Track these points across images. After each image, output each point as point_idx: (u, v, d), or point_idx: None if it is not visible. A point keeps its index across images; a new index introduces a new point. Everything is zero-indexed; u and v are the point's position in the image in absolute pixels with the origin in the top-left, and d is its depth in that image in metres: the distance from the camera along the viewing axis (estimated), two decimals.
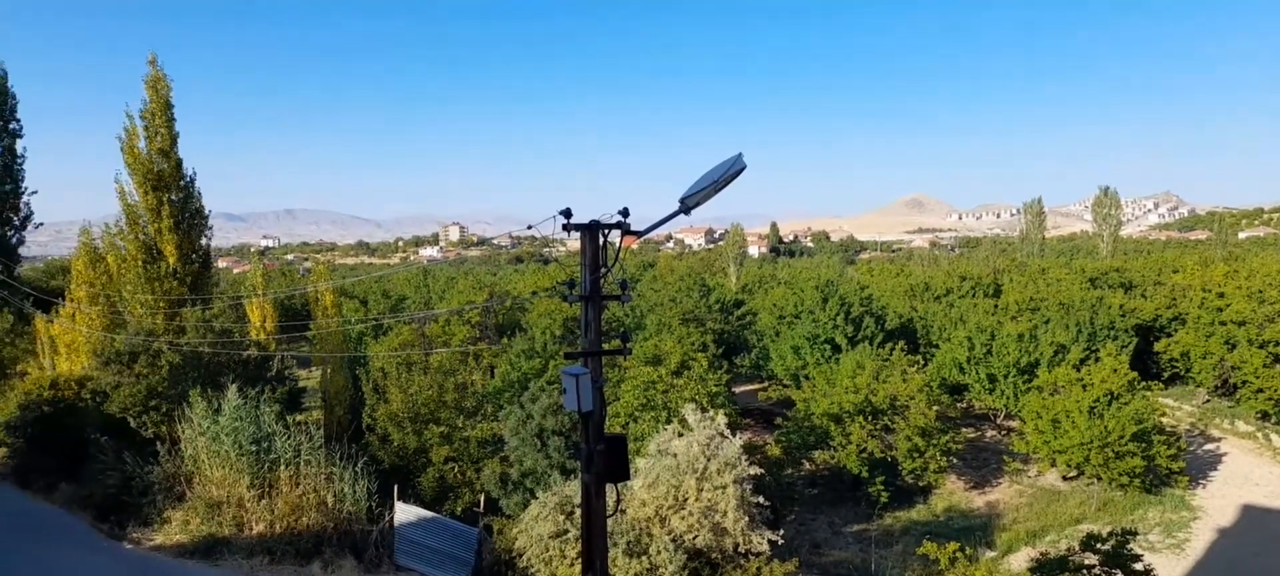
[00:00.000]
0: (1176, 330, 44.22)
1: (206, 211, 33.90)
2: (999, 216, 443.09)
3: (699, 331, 41.01)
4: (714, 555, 19.19)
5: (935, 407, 30.35)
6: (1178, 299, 46.88)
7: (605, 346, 11.52)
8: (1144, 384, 30.90)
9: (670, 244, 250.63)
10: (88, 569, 23.25)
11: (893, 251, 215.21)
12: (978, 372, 37.31)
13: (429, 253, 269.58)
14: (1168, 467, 28.64)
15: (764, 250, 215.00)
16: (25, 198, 44.16)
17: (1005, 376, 36.24)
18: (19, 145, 43.68)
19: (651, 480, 20.06)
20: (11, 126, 43.26)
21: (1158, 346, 43.72)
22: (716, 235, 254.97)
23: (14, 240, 44.04)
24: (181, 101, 32.75)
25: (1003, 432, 38.86)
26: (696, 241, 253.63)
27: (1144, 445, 27.92)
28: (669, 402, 27.38)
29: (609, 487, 11.51)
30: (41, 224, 46.07)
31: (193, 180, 33.23)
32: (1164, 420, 30.79)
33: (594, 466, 11.02)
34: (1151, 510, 28.62)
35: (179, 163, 32.63)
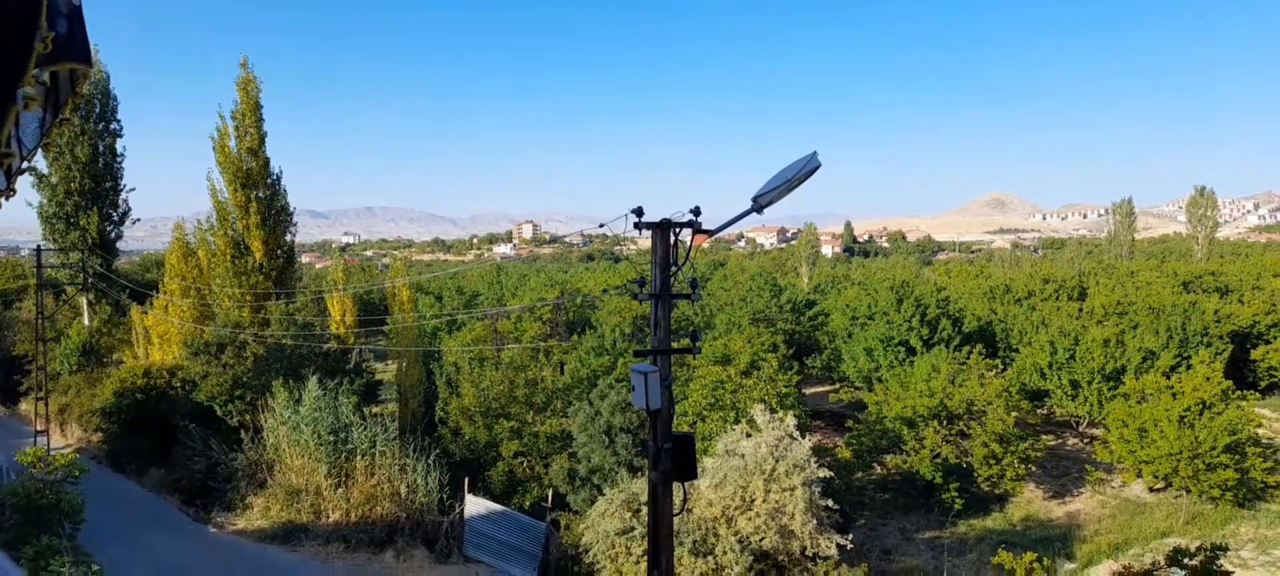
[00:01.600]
0: (1276, 337, 42.12)
1: (291, 208, 35.01)
2: (1085, 217, 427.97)
3: (769, 331, 40.68)
4: (781, 558, 19.03)
5: (1014, 413, 29.48)
6: (1278, 304, 44.63)
7: (674, 345, 11.52)
8: (1239, 393, 29.51)
9: (742, 243, 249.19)
10: (175, 550, 24.31)
11: (972, 252, 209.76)
12: (1060, 378, 36.13)
13: (503, 250, 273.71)
14: (1263, 481, 27.30)
15: (837, 250, 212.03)
16: (124, 194, 46.31)
17: (1089, 382, 35.02)
18: (119, 144, 45.85)
19: (719, 480, 19.99)
20: (113, 127, 45.42)
21: (1255, 354, 41.70)
22: (789, 234, 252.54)
23: (113, 235, 46.22)
24: (269, 97, 33.93)
25: (1085, 441, 37.55)
26: (768, 240, 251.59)
27: (1238, 457, 26.68)
28: (737, 402, 27.23)
29: (676, 486, 11.51)
30: (139, 220, 48.21)
31: (279, 178, 34.37)
32: (1260, 431, 29.34)
33: (661, 464, 11.03)
34: (1244, 525, 27.30)
35: (267, 161, 33.79)
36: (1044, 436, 35.13)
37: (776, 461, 19.66)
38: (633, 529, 19.19)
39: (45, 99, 2.62)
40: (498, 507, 24.10)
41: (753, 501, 19.41)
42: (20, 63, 2.47)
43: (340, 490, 25.26)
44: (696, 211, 10.99)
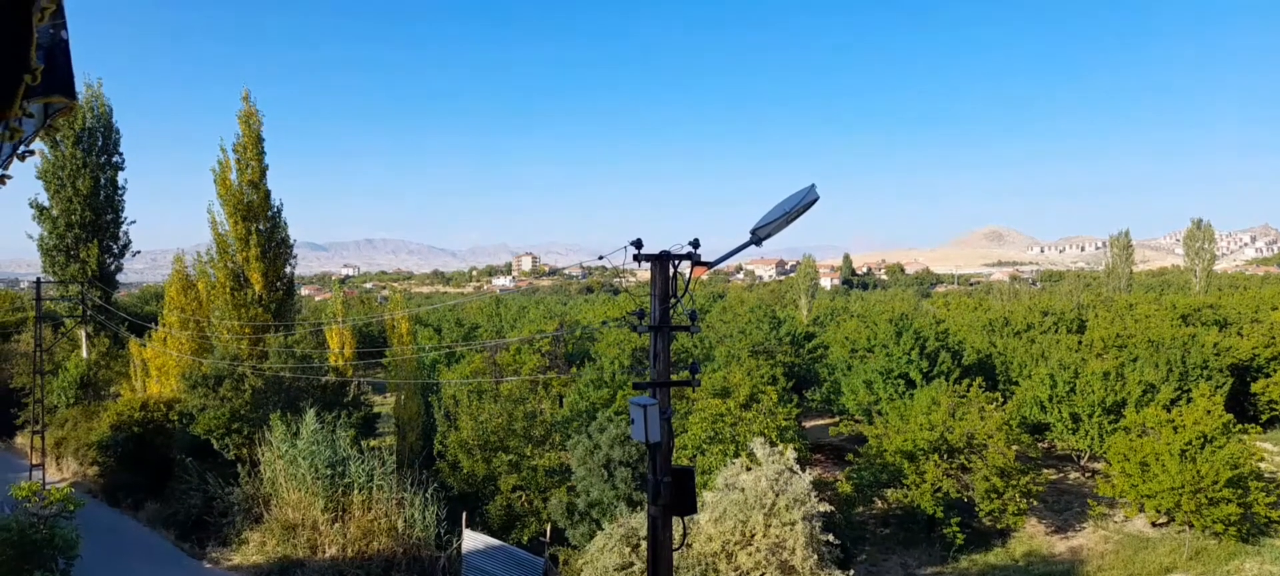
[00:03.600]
0: (1276, 370, 41.98)
1: (291, 241, 35.02)
2: (1083, 249, 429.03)
3: (769, 364, 40.59)
4: None
5: (1015, 447, 29.32)
6: (1277, 337, 44.54)
7: (674, 377, 11.46)
8: (1240, 427, 29.36)
9: (740, 275, 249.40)
10: None
11: (970, 285, 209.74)
12: (1060, 411, 35.98)
13: (502, 282, 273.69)
14: (1266, 516, 27.09)
15: (836, 282, 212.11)
16: (125, 227, 46.42)
17: (1089, 416, 34.86)
18: (120, 178, 46.05)
19: (718, 514, 19.81)
20: (115, 160, 45.63)
21: (1255, 387, 41.55)
22: (788, 267, 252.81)
23: (113, 268, 46.25)
24: (271, 129, 34.08)
25: (1087, 475, 37.30)
26: (767, 273, 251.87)
27: (1240, 491, 26.48)
28: (737, 436, 27.07)
29: (675, 521, 11.40)
30: (139, 252, 48.27)
31: (279, 210, 34.43)
32: (1262, 465, 29.14)
33: (661, 498, 10.93)
34: (1249, 561, 27.04)
35: (267, 194, 33.86)
36: (1045, 470, 34.91)
37: (777, 495, 19.51)
38: (632, 564, 18.99)
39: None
40: (495, 542, 23.86)
41: (753, 536, 19.22)
42: (8, 95, 2.45)
43: (337, 525, 25.03)
44: (695, 243, 10.99)
